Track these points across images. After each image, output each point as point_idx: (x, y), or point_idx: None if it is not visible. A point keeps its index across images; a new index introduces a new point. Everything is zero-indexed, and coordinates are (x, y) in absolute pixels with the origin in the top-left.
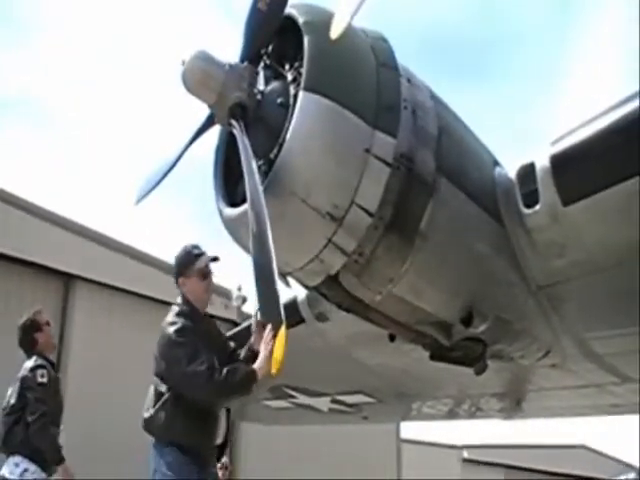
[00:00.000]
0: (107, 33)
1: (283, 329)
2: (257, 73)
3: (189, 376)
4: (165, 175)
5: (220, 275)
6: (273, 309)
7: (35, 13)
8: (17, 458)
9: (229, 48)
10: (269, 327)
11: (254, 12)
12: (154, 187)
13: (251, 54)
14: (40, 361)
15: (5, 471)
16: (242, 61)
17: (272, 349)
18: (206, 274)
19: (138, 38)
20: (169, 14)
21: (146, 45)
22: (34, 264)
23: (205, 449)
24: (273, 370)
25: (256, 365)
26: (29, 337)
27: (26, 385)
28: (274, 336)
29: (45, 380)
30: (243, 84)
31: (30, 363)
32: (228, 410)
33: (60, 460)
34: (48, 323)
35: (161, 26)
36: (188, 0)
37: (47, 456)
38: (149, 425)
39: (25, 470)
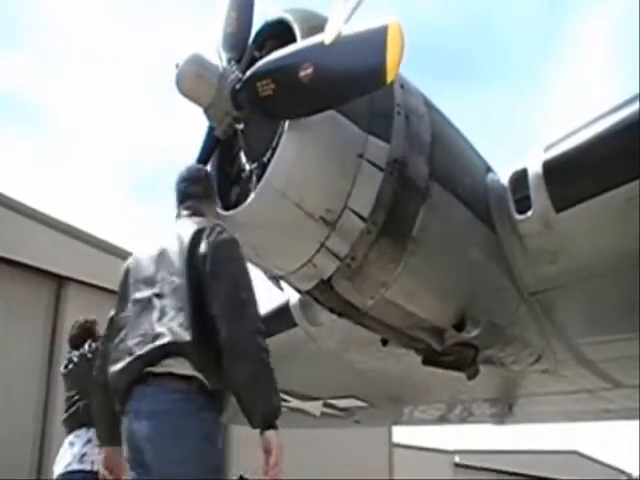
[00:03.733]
0: (104, 34)
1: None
2: None
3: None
4: None
5: None
6: None
7: (30, 15)
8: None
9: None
10: None
11: (225, 35)
12: None
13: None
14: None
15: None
16: (235, 94)
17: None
18: None
19: (135, 38)
20: (167, 14)
21: (144, 45)
22: (26, 265)
23: None
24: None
25: None
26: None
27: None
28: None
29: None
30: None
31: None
32: None
33: None
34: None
35: (159, 27)
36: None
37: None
38: None
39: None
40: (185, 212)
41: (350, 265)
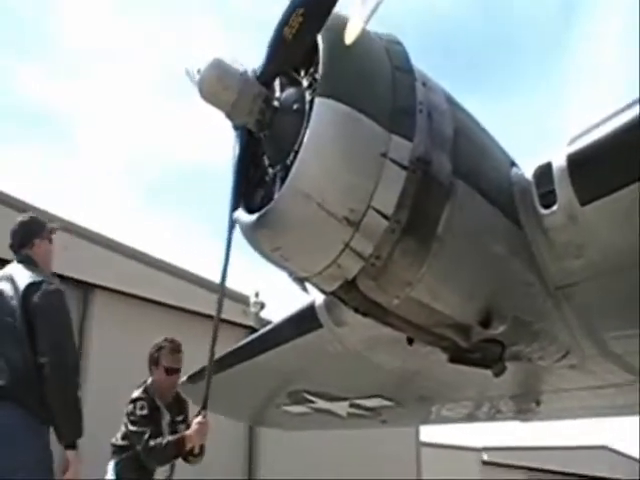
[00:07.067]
0: (115, 35)
1: None
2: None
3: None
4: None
5: (238, 281)
6: None
7: (37, 21)
8: None
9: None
10: None
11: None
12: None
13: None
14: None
15: None
16: (259, 79)
17: None
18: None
19: (148, 39)
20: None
21: (156, 46)
22: (53, 274)
23: None
24: None
25: None
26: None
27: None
28: None
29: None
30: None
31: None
32: None
33: None
34: (178, 370)
35: (172, 27)
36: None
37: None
38: None
39: None
40: (19, 259)
41: (375, 264)
